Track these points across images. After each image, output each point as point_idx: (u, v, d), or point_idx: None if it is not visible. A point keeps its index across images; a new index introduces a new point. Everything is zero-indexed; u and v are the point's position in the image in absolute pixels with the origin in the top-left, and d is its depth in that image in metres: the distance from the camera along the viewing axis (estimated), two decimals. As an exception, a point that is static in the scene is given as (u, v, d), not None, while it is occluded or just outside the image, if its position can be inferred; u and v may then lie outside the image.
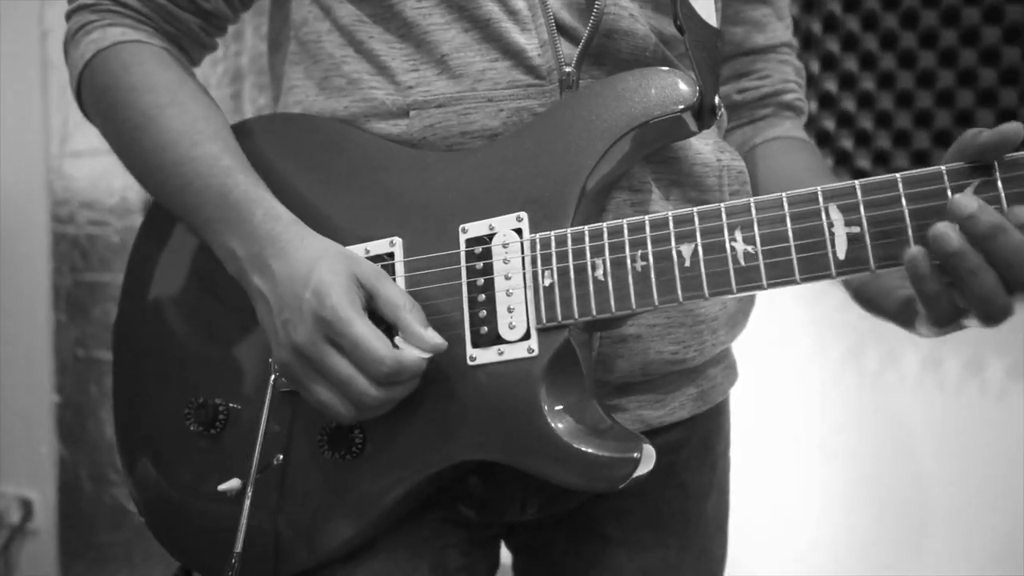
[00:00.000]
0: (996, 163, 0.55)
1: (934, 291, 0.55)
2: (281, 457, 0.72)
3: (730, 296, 0.62)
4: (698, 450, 0.83)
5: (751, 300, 0.84)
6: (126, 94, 0.75)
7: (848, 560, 1.83)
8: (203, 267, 0.77)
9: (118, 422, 0.81)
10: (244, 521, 0.68)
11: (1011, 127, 0.55)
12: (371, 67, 0.75)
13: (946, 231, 0.54)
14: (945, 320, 0.57)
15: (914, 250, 0.55)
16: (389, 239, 0.70)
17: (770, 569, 1.81)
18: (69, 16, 0.80)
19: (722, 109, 0.71)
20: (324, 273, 0.64)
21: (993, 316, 0.55)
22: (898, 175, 0.58)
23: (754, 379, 0.99)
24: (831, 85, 1.68)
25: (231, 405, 0.75)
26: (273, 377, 0.71)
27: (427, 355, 0.63)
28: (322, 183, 0.74)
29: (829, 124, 1.66)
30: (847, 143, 1.66)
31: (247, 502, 0.69)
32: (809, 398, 1.80)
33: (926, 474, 1.77)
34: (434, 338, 0.64)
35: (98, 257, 2.14)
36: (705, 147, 0.76)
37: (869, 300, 0.68)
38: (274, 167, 0.75)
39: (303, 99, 0.79)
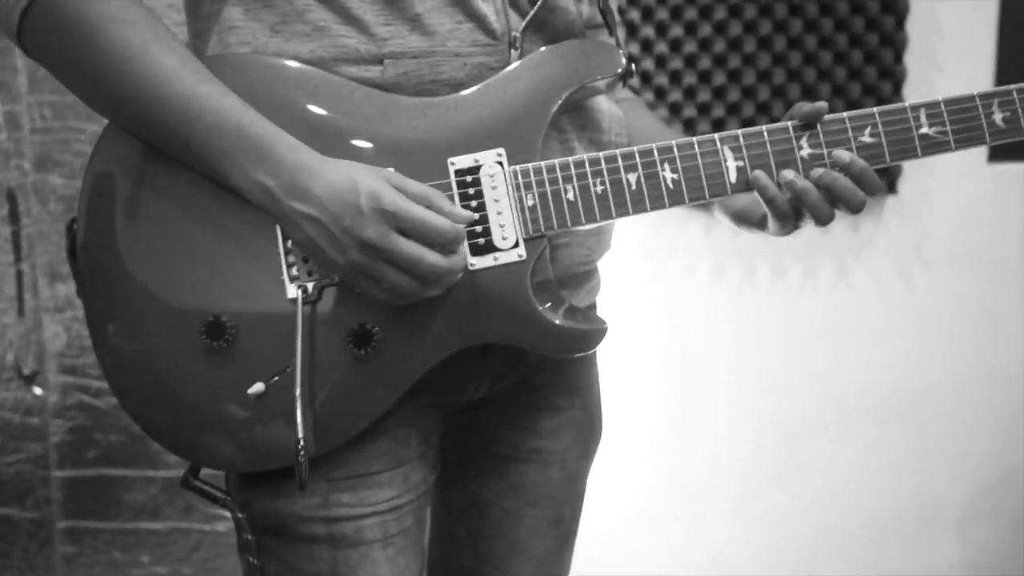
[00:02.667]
0: (819, 124, 0.88)
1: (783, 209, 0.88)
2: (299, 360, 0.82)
3: (661, 210, 0.89)
4: None
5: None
6: (105, 25, 0.78)
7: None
8: (194, 195, 0.84)
9: (108, 349, 0.86)
10: (299, 414, 0.81)
11: (821, 105, 0.87)
12: (339, 17, 0.86)
13: (793, 176, 0.86)
14: (790, 225, 0.89)
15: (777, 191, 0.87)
16: (384, 169, 0.83)
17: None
18: None
19: (634, 73, 0.97)
20: (368, 180, 0.78)
21: (824, 222, 0.88)
22: (764, 128, 0.88)
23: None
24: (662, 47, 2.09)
25: (238, 320, 0.84)
26: (299, 291, 0.83)
27: (465, 225, 0.82)
28: (308, 118, 0.84)
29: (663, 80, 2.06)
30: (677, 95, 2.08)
31: (298, 395, 0.81)
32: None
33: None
34: (464, 211, 0.82)
35: None
36: (602, 99, 1.01)
37: (740, 218, 0.98)
38: (257, 102, 0.81)
39: (251, 40, 0.85)
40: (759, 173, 0.87)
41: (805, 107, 0.88)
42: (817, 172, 0.87)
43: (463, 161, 0.87)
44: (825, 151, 0.88)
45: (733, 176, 0.88)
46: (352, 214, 0.78)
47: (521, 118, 0.88)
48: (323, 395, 0.85)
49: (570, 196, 0.88)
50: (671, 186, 0.88)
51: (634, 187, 0.88)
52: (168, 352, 0.85)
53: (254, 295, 0.84)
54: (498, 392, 1.02)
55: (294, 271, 0.84)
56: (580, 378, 1.10)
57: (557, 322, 0.86)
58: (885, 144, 0.88)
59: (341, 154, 0.84)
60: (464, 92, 0.88)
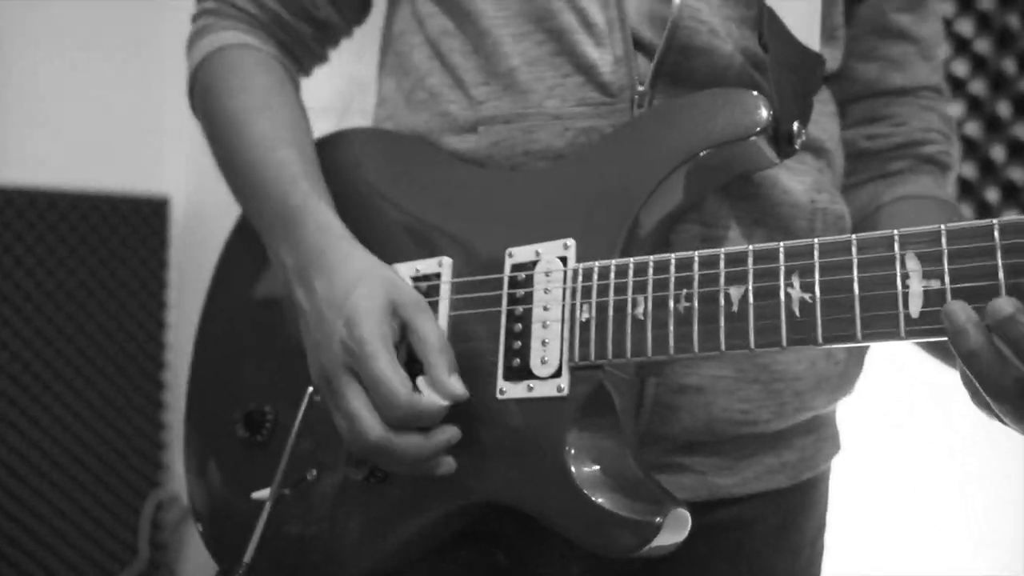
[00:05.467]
0: None
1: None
2: (315, 472, 0.71)
3: (791, 350, 0.53)
4: (777, 531, 0.73)
5: (858, 360, 0.72)
6: (223, 94, 0.78)
7: None
8: (267, 275, 0.79)
9: (186, 416, 0.84)
10: (258, 533, 0.67)
11: None
12: (450, 80, 0.73)
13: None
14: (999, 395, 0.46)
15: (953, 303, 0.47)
16: (439, 259, 0.68)
17: None
18: (195, 18, 0.84)
19: (803, 137, 0.62)
20: (360, 299, 0.62)
21: None
22: (995, 221, 0.47)
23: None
24: (975, 130, 1.50)
25: (279, 414, 0.74)
26: (310, 390, 0.70)
27: (445, 403, 0.60)
28: (388, 198, 0.74)
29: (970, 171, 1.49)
30: (992, 194, 1.47)
31: (264, 514, 0.68)
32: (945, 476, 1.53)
33: None
34: (456, 387, 0.60)
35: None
36: (797, 185, 0.68)
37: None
38: (346, 179, 0.75)
39: (393, 113, 0.79)
40: (955, 306, 0.46)
41: None
42: None
43: (522, 253, 0.65)
44: None
45: (916, 306, 0.48)
46: (324, 332, 0.64)
47: (604, 200, 0.62)
48: (324, 521, 0.70)
49: (639, 312, 0.58)
50: (798, 313, 0.52)
51: (736, 308, 0.54)
52: (210, 439, 0.80)
53: (294, 392, 0.73)
54: None
55: None
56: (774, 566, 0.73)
57: (584, 491, 0.57)
58: None
59: (406, 234, 0.71)
60: (555, 165, 0.67)
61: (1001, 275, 0.46)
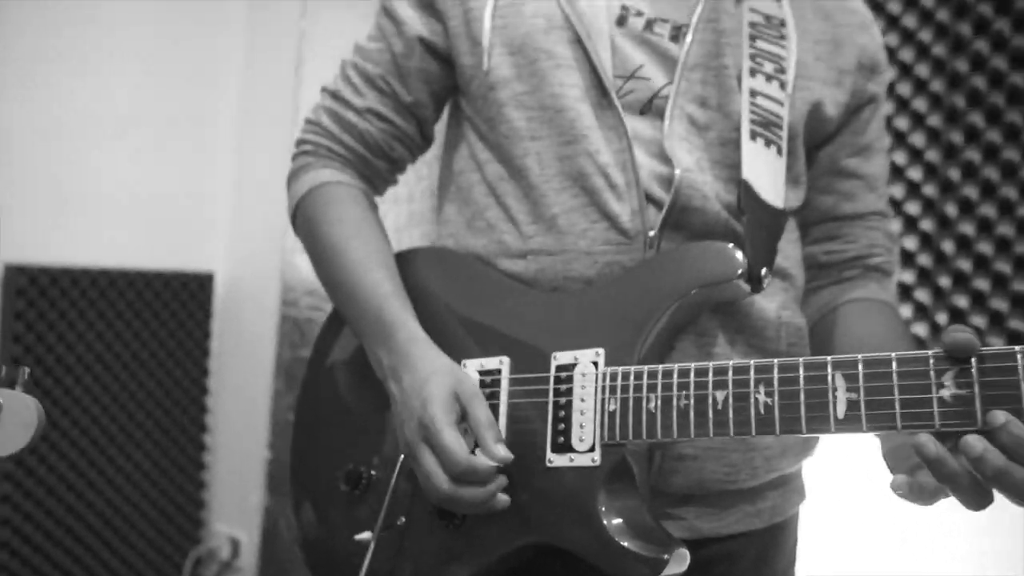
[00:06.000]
0: (974, 358, 0.67)
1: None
2: (404, 519, 0.92)
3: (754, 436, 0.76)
4: (755, 563, 0.94)
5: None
6: (324, 224, 0.99)
7: None
8: (362, 362, 0.99)
9: (292, 471, 1.05)
10: (366, 565, 0.89)
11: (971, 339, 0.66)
12: (504, 216, 0.95)
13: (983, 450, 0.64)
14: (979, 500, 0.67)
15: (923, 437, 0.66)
16: (499, 358, 0.90)
17: None
18: (295, 157, 1.06)
19: (768, 279, 0.85)
20: (432, 387, 0.84)
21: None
22: (893, 355, 0.70)
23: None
24: (911, 244, 1.76)
25: (372, 473, 0.96)
26: (402, 456, 0.92)
27: (493, 464, 0.81)
28: (457, 306, 0.96)
29: (908, 278, 1.75)
30: (924, 296, 1.71)
31: (370, 550, 0.90)
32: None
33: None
34: (499, 452, 0.81)
35: (313, 336, 2.50)
36: (769, 305, 0.91)
37: (893, 460, 0.79)
38: (423, 289, 0.97)
39: (454, 232, 1.00)
40: (925, 439, 0.66)
41: (957, 334, 0.67)
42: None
43: (564, 357, 0.87)
44: (977, 394, 0.66)
45: (841, 411, 0.71)
46: (407, 412, 0.85)
47: (625, 320, 0.85)
48: (413, 556, 0.91)
49: (651, 406, 0.80)
50: (762, 412, 0.75)
51: (720, 407, 0.77)
52: (317, 490, 1.01)
53: (385, 455, 0.96)
54: None
55: None
56: None
57: (614, 537, 0.79)
58: None
59: (474, 336, 0.92)
60: (589, 289, 0.89)
61: (896, 393, 0.69)
